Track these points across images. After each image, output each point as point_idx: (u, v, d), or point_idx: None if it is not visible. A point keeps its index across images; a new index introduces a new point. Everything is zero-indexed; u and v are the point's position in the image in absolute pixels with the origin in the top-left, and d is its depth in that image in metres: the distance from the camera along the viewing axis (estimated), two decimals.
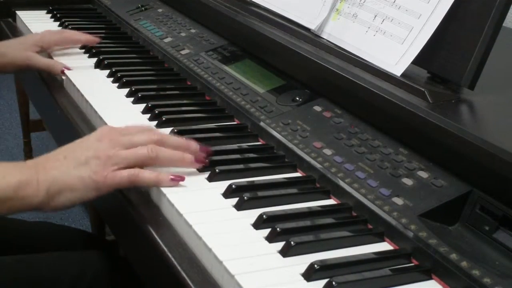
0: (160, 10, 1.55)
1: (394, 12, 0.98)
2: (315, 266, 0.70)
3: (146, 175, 0.85)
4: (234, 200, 0.84)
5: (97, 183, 0.84)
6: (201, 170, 0.91)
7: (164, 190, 0.84)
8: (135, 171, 0.85)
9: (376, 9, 1.00)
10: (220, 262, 0.71)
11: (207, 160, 0.91)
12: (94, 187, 0.84)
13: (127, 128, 0.91)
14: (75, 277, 1.07)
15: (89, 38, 1.37)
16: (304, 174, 0.93)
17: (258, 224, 0.79)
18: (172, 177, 0.85)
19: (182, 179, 0.85)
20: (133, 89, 1.16)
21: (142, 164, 0.87)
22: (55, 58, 1.31)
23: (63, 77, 1.24)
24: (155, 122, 1.06)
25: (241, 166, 0.93)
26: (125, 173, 0.84)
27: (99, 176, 0.83)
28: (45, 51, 1.32)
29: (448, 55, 0.92)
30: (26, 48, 1.29)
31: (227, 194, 0.85)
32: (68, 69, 1.26)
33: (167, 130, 1.02)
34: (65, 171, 0.84)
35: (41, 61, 1.28)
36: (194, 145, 0.91)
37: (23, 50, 1.28)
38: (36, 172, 0.83)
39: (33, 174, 0.83)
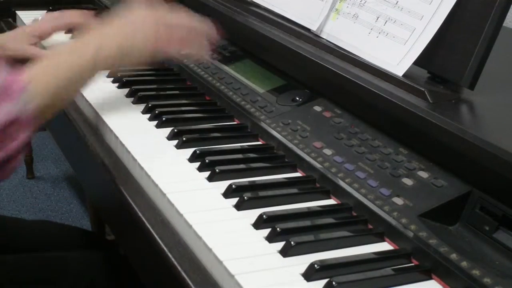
0: None
1: (396, 13, 0.98)
2: (315, 266, 0.70)
3: None
4: (234, 200, 0.84)
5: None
6: (201, 170, 0.91)
7: (164, 190, 0.84)
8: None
9: (378, 10, 1.00)
10: (220, 262, 0.71)
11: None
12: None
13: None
14: (75, 276, 1.07)
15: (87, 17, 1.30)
16: (304, 174, 0.93)
17: (258, 224, 0.79)
18: None
19: None
20: (133, 89, 1.16)
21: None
22: None
23: None
24: (155, 122, 1.06)
25: (241, 166, 0.93)
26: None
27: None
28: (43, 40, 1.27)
29: (448, 55, 0.92)
30: (23, 41, 1.23)
31: (227, 194, 0.85)
32: None
33: (167, 130, 1.02)
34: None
35: (40, 53, 1.22)
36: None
37: (19, 43, 1.23)
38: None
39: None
